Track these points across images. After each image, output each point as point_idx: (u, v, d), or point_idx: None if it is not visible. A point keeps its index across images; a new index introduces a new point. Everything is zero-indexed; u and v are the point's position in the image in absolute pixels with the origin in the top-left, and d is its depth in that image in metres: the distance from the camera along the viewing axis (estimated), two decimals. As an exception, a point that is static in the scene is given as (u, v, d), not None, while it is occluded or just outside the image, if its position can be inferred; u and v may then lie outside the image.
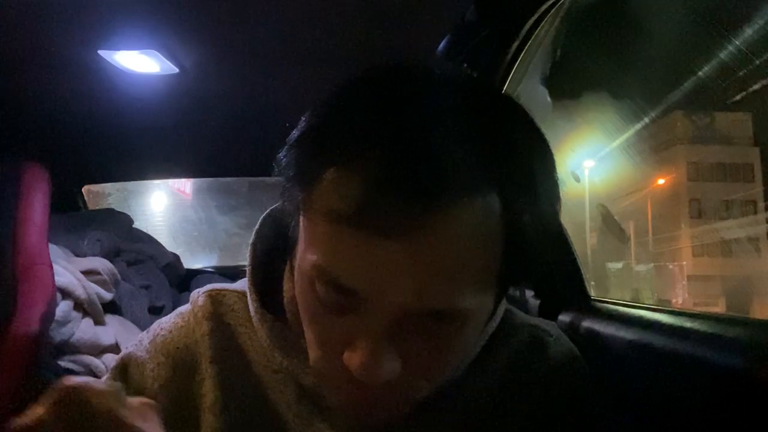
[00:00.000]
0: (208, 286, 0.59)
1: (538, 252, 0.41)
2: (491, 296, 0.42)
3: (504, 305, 0.57)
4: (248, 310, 0.55)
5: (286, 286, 0.55)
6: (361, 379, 0.39)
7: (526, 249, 0.40)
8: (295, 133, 0.43)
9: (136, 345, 0.58)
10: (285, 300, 0.54)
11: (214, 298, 0.57)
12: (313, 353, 0.45)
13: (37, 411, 0.33)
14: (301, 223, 0.42)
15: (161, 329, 0.57)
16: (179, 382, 0.54)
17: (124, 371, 0.56)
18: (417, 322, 0.39)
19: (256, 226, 0.58)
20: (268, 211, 0.58)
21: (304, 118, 0.43)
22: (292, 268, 0.52)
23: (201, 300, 0.57)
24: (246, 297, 0.56)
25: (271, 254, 0.57)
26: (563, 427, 0.54)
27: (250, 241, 0.57)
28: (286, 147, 0.43)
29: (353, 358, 0.39)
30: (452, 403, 0.53)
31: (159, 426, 0.40)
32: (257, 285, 0.55)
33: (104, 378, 0.57)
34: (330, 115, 0.41)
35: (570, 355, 0.57)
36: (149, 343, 0.57)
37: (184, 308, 0.59)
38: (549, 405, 0.54)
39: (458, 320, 0.39)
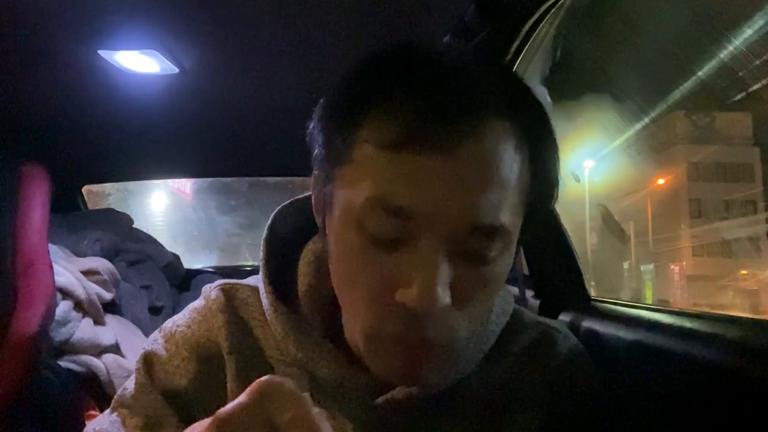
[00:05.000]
0: (220, 281, 0.60)
1: (556, 183, 0.47)
2: (518, 227, 0.45)
3: (512, 304, 0.59)
4: (261, 304, 0.56)
5: (301, 279, 0.56)
6: (418, 308, 0.40)
7: (548, 177, 0.46)
8: (334, 91, 0.46)
9: (152, 344, 0.58)
10: (300, 292, 0.55)
11: (227, 291, 0.58)
12: (363, 307, 0.44)
13: (242, 401, 0.34)
14: (339, 177, 0.45)
15: (177, 326, 0.58)
16: (207, 375, 0.55)
17: (148, 369, 0.56)
18: (465, 244, 0.42)
19: (269, 222, 0.59)
20: (279, 207, 0.59)
21: (338, 83, 0.47)
22: (312, 257, 0.55)
23: (214, 293, 0.58)
24: (258, 292, 0.57)
25: (284, 249, 0.57)
26: (572, 420, 0.56)
27: (263, 236, 0.58)
28: (323, 102, 0.47)
29: (410, 289, 0.40)
30: (466, 397, 0.54)
31: None
32: (271, 278, 0.56)
33: (132, 376, 0.57)
34: (365, 70, 0.45)
35: (578, 352, 0.59)
36: (167, 341, 0.57)
37: (197, 303, 0.59)
38: (559, 399, 0.56)
39: (499, 242, 0.42)
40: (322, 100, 0.48)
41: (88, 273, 1.34)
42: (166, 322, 0.60)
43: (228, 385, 0.54)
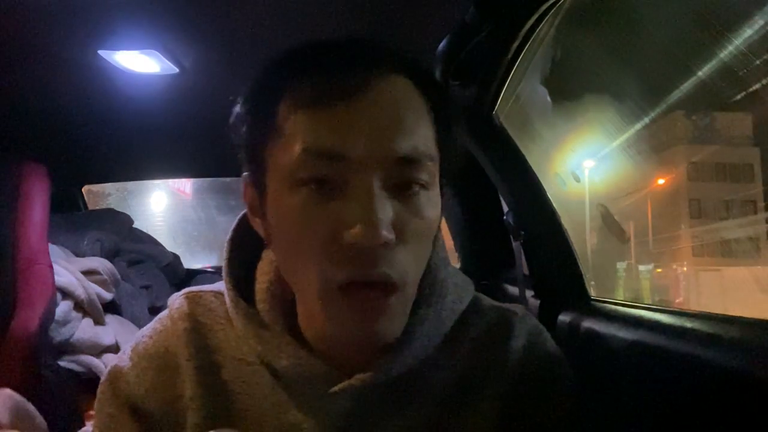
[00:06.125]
0: (186, 289, 0.62)
1: (456, 141, 0.54)
2: (437, 171, 0.51)
3: (472, 292, 0.61)
4: (225, 307, 0.58)
5: (261, 277, 0.57)
6: (365, 242, 0.44)
7: (449, 126, 0.52)
8: (251, 85, 0.51)
9: (120, 357, 0.60)
10: (259, 290, 0.57)
11: (191, 299, 0.60)
12: (315, 262, 0.46)
13: None
14: (269, 154, 0.49)
15: (142, 337, 0.60)
16: (165, 384, 0.56)
17: (113, 385, 0.58)
18: (394, 177, 0.47)
19: (234, 223, 0.60)
20: (245, 211, 0.60)
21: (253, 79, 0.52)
22: (274, 256, 0.56)
23: (178, 302, 0.60)
24: (223, 296, 0.58)
25: (248, 250, 0.59)
26: (533, 401, 0.56)
27: (228, 237, 0.60)
28: (242, 99, 0.52)
29: (355, 227, 0.44)
30: (425, 384, 0.55)
31: None
32: (233, 275, 0.57)
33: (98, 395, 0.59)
34: (278, 59, 0.51)
35: (535, 333, 0.60)
36: (132, 351, 0.59)
37: (162, 313, 0.62)
38: (518, 381, 0.56)
39: (423, 172, 0.48)
40: (240, 101, 0.52)
41: (88, 273, 1.34)
42: (137, 333, 0.62)
43: (187, 392, 0.55)
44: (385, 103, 0.47)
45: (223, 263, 0.59)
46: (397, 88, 0.48)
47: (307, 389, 0.54)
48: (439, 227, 0.53)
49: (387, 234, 0.44)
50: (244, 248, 0.59)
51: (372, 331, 0.47)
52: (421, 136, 0.48)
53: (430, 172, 0.49)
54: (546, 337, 0.60)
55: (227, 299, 0.57)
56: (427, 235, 0.50)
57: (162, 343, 0.58)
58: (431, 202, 0.49)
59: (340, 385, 0.52)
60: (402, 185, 0.47)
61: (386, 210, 0.45)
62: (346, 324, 0.47)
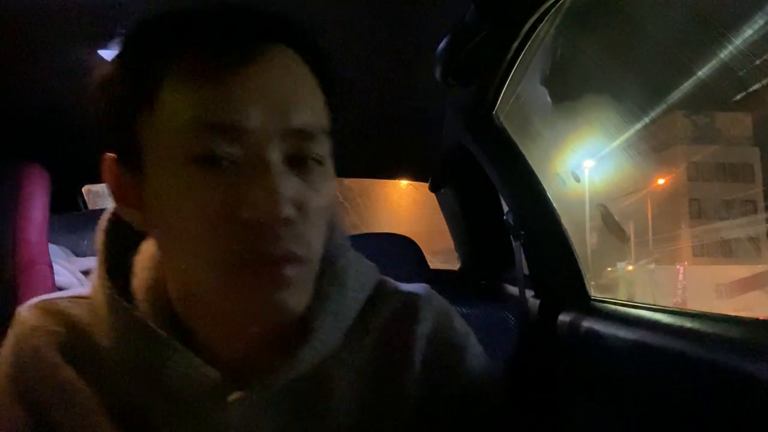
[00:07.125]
0: (36, 299, 0.55)
1: (344, 104, 0.51)
2: (329, 142, 0.48)
3: (374, 278, 0.58)
4: (88, 313, 0.51)
5: (140, 274, 0.51)
6: (265, 219, 0.41)
7: (338, 101, 0.50)
8: (123, 51, 0.50)
9: None
10: (139, 289, 0.51)
11: (41, 308, 0.53)
12: (213, 241, 0.43)
13: None
14: (148, 129, 0.46)
15: None
16: (30, 414, 0.49)
17: None
18: (290, 150, 0.44)
19: (105, 221, 0.56)
20: (112, 208, 0.55)
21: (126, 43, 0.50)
22: (155, 248, 0.51)
23: (22, 316, 0.53)
24: (81, 300, 0.52)
25: (121, 243, 0.54)
26: (445, 385, 0.55)
27: (103, 227, 0.55)
28: (109, 67, 0.49)
29: (257, 203, 0.42)
30: (329, 382, 0.52)
31: None
32: (110, 272, 0.51)
33: None
34: (158, 24, 0.49)
35: (442, 313, 0.58)
36: None
37: (10, 331, 0.54)
38: (429, 367, 0.54)
39: (318, 146, 0.46)
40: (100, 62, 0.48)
41: (88, 273, 1.34)
42: None
43: (55, 418, 0.48)
44: (277, 73, 0.45)
45: (96, 260, 0.52)
46: (286, 59, 0.46)
47: (200, 400, 0.47)
48: (334, 210, 0.51)
49: (290, 210, 0.42)
50: (118, 242, 0.53)
51: (278, 304, 0.44)
52: (314, 109, 0.46)
53: (325, 147, 0.47)
54: (452, 316, 0.58)
55: (102, 301, 0.49)
56: (327, 211, 0.47)
57: (7, 371, 0.51)
58: (327, 178, 0.47)
59: (238, 393, 0.47)
60: (299, 160, 0.45)
61: (288, 185, 0.43)
62: (251, 299, 0.44)
